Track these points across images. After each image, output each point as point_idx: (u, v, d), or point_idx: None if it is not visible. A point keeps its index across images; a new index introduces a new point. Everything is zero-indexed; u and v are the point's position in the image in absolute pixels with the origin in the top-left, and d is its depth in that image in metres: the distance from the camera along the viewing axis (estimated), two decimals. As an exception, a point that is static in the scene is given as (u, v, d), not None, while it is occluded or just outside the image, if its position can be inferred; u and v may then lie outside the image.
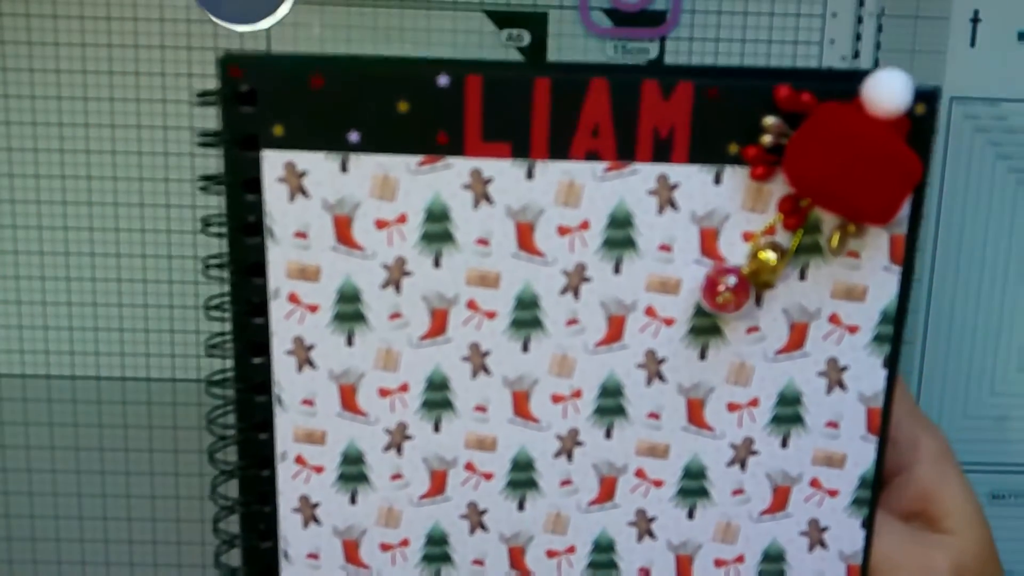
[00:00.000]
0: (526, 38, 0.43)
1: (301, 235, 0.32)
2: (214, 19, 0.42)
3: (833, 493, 0.34)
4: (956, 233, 0.45)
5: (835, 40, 0.44)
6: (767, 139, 0.30)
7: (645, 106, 0.31)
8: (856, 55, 0.44)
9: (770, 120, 0.30)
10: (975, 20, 0.43)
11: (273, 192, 0.32)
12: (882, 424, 0.34)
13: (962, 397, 0.47)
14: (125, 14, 0.42)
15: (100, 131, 0.43)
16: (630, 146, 0.31)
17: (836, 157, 0.29)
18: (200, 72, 0.43)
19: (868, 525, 0.35)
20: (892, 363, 0.33)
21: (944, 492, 0.35)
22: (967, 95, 0.44)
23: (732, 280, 0.31)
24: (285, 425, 0.34)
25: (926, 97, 0.30)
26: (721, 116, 0.31)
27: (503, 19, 0.43)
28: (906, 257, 0.32)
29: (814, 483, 0.34)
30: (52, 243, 0.44)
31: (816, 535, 0.35)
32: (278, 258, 0.32)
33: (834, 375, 0.33)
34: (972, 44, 0.44)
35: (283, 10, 0.42)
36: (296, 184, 0.31)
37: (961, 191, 0.45)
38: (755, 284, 0.32)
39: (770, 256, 0.31)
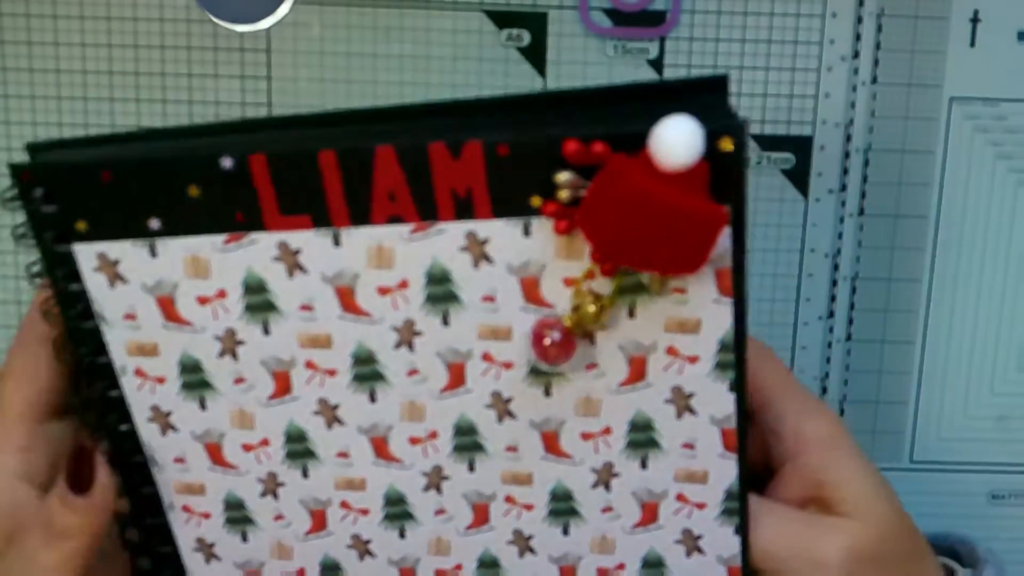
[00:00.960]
0: (526, 38, 0.43)
1: (131, 317, 0.32)
2: (214, 19, 0.42)
3: (700, 506, 0.34)
4: (956, 233, 0.45)
5: (835, 40, 0.44)
6: (564, 195, 0.29)
7: (437, 169, 0.30)
8: (856, 55, 0.44)
9: (563, 177, 0.29)
10: (975, 20, 0.43)
11: (94, 281, 0.32)
12: (739, 441, 0.33)
13: (962, 397, 0.47)
14: (125, 14, 0.42)
15: (100, 131, 0.43)
16: (431, 207, 0.30)
17: (629, 216, 0.28)
18: (200, 72, 0.43)
19: (742, 531, 0.34)
20: (739, 386, 0.33)
21: (835, 476, 0.33)
22: (967, 95, 0.44)
23: (557, 335, 0.31)
24: (165, 481, 0.35)
25: (733, 131, 0.28)
26: (517, 171, 0.30)
27: (503, 19, 0.43)
28: (735, 288, 0.31)
29: (680, 497, 0.34)
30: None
31: (691, 543, 0.35)
32: (116, 339, 0.33)
33: (681, 402, 0.33)
34: (972, 44, 0.44)
35: (283, 10, 0.42)
36: (112, 272, 0.32)
37: (961, 191, 0.45)
38: (579, 334, 0.31)
39: (589, 308, 0.31)
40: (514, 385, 0.33)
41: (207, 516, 0.36)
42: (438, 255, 0.31)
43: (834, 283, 0.46)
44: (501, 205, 0.30)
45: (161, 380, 0.33)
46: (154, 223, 0.31)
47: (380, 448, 0.34)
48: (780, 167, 0.44)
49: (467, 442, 0.34)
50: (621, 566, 0.36)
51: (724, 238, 0.30)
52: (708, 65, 0.43)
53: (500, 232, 0.31)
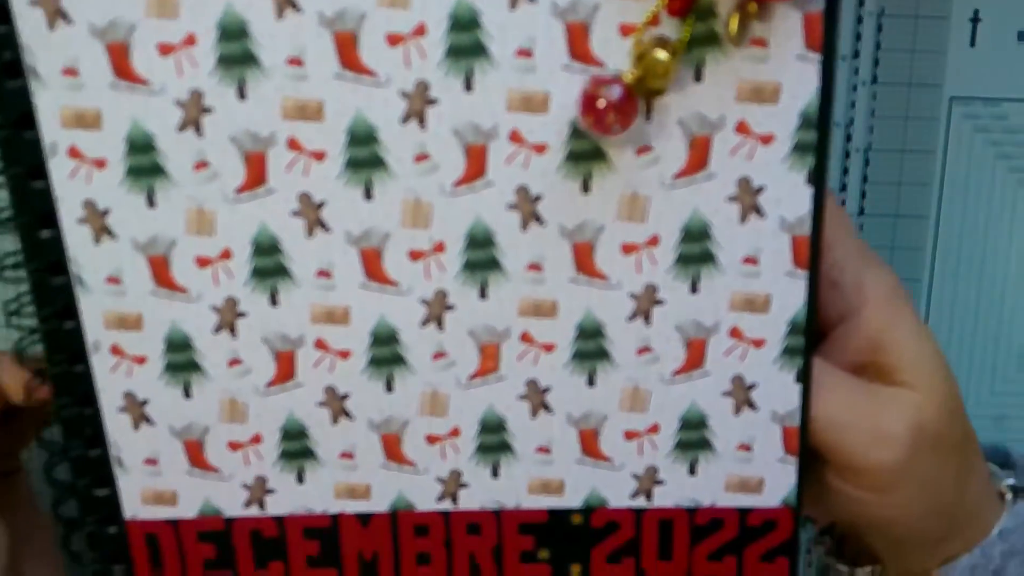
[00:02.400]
0: None
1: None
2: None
3: (758, 343, 0.29)
4: (956, 233, 0.45)
5: (835, 40, 0.44)
6: None
7: None
8: (856, 55, 0.44)
9: None
10: (975, 20, 0.43)
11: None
12: (811, 255, 0.28)
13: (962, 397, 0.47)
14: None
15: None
16: None
17: None
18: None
19: (803, 378, 0.29)
20: (818, 179, 0.27)
21: (897, 337, 0.30)
22: (967, 95, 0.44)
23: (615, 92, 0.25)
24: (92, 309, 0.28)
25: None
26: None
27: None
28: (825, 41, 0.26)
29: (734, 333, 0.29)
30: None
31: (742, 395, 0.29)
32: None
33: (747, 199, 0.27)
34: (972, 44, 0.44)
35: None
36: (99, 226, 0.27)
37: (961, 191, 0.45)
38: (642, 93, 0.26)
39: (659, 55, 0.25)
40: (545, 177, 0.27)
41: (141, 361, 0.29)
42: None
43: (834, 283, 0.46)
44: None
45: (100, 164, 0.27)
46: None
47: (372, 264, 0.28)
48: (780, 167, 0.45)
49: (481, 257, 0.28)
50: (654, 428, 0.30)
51: None
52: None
53: None
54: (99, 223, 0.27)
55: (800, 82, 0.26)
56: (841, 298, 0.30)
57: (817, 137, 0.27)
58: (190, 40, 0.26)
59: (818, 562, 0.37)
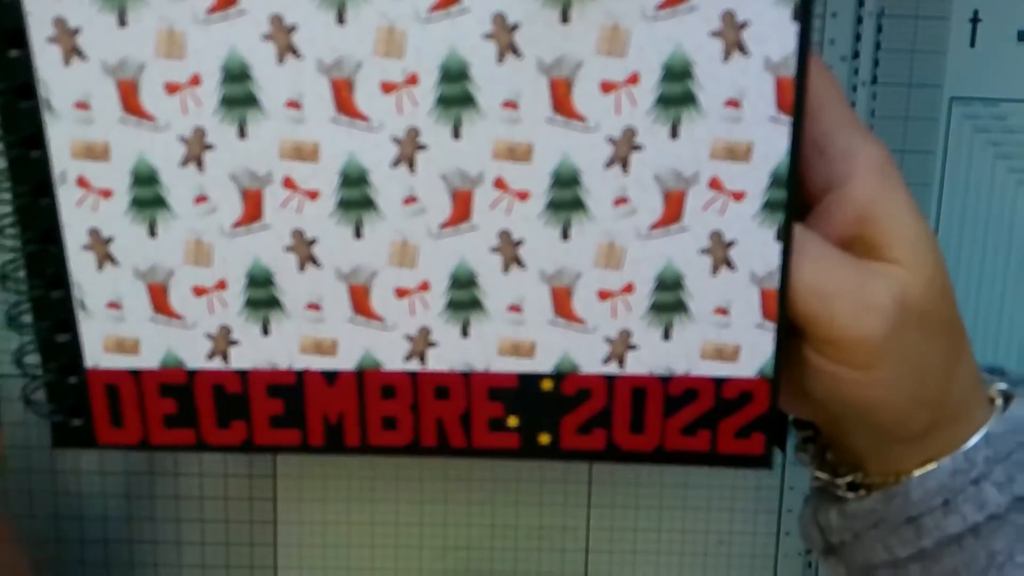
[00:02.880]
0: None
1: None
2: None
3: (738, 196, 0.28)
4: (956, 233, 0.45)
5: (835, 40, 0.44)
6: None
7: None
8: (856, 55, 0.44)
9: None
10: (975, 20, 0.43)
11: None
12: (796, 98, 0.27)
13: (962, 396, 0.47)
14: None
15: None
16: None
17: None
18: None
19: (784, 237, 0.28)
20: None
21: (886, 211, 0.29)
22: (967, 95, 0.44)
23: None
24: (59, 136, 0.28)
25: None
26: None
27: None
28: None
29: (714, 184, 0.28)
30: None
31: (720, 252, 0.28)
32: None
33: (731, 35, 0.26)
34: (972, 44, 0.44)
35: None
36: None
37: (961, 191, 0.45)
38: None
39: None
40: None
41: (107, 195, 0.28)
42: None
43: (834, 283, 0.46)
44: None
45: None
46: None
47: (342, 95, 0.27)
48: (780, 167, 0.45)
49: (455, 92, 0.27)
50: (628, 288, 0.29)
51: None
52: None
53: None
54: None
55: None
56: (829, 166, 0.29)
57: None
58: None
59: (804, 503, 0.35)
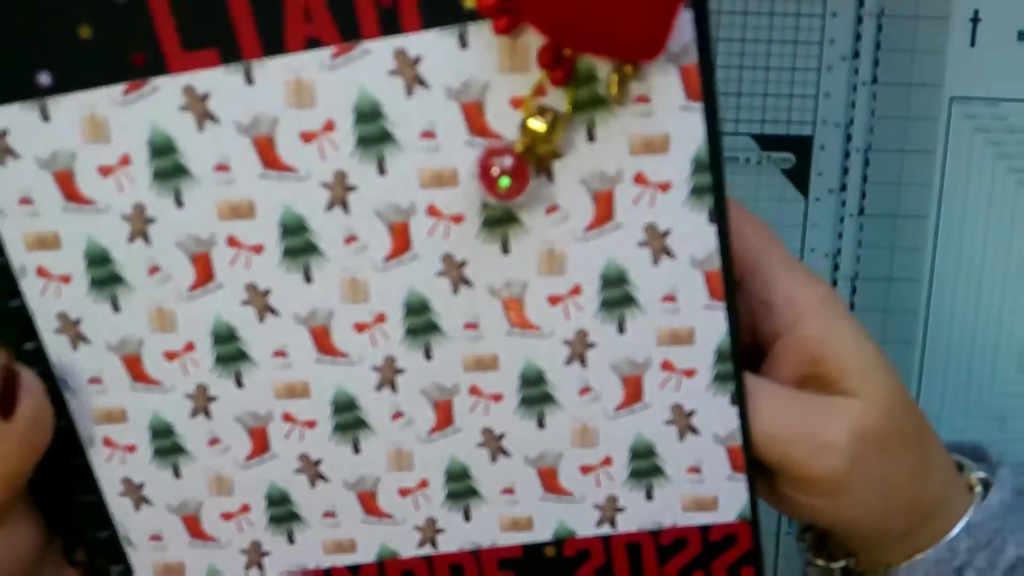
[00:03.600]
0: (526, 38, 0.43)
1: (27, 201, 0.29)
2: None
3: (689, 373, 0.30)
4: (956, 233, 0.45)
5: (835, 40, 0.44)
6: None
7: None
8: (856, 55, 0.44)
9: None
10: (975, 20, 0.43)
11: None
12: (725, 287, 0.29)
13: (962, 397, 0.47)
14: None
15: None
16: (352, 23, 0.27)
17: None
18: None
19: (738, 401, 0.31)
20: (720, 216, 0.29)
21: (835, 346, 0.31)
22: (967, 95, 0.44)
23: (507, 161, 0.27)
24: (81, 409, 0.31)
25: None
26: None
27: (503, 19, 0.43)
28: (704, 90, 0.27)
29: (666, 366, 0.30)
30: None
31: (683, 421, 0.31)
32: (12, 231, 0.29)
33: (656, 243, 0.29)
34: (972, 44, 0.44)
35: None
36: (2, 147, 0.28)
37: (961, 191, 0.45)
38: (535, 159, 0.27)
39: (537, 125, 0.27)
40: (467, 244, 0.29)
41: (132, 449, 0.31)
42: (365, 84, 0.27)
43: (834, 283, 0.46)
44: (430, 11, 0.27)
45: (66, 279, 0.29)
46: (43, 78, 0.27)
47: (322, 341, 0.30)
48: (780, 167, 0.45)
49: (420, 323, 0.30)
50: (607, 460, 0.31)
51: (687, 27, 0.27)
52: (708, 65, 0.43)
53: (433, 46, 0.27)
54: (74, 331, 0.30)
55: (687, 130, 0.28)
56: (775, 316, 0.31)
57: (712, 179, 0.28)
58: (125, 160, 0.28)
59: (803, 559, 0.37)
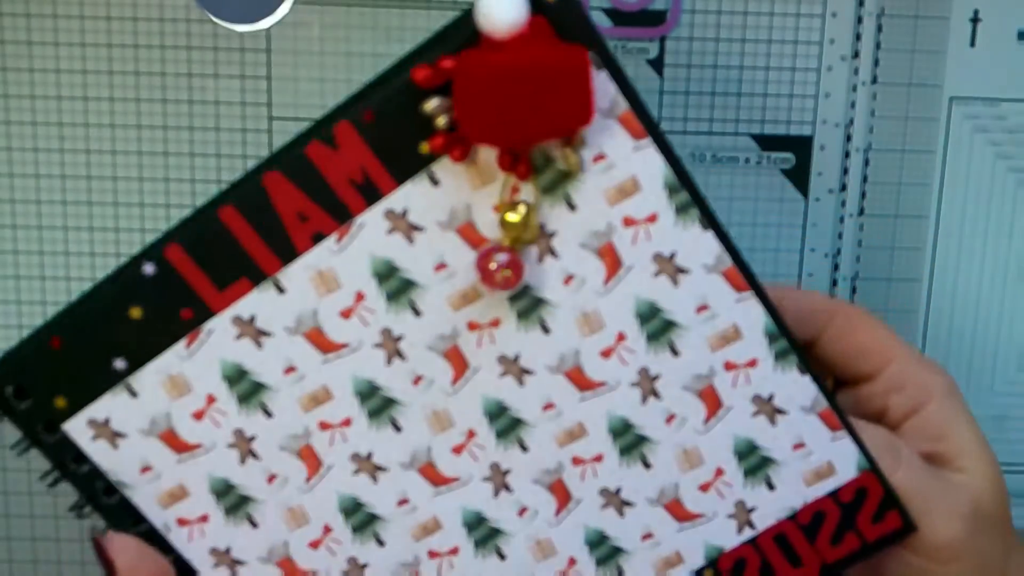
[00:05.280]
0: None
1: (147, 469, 0.32)
2: (214, 19, 0.42)
3: (752, 363, 0.33)
4: (956, 233, 0.45)
5: (835, 40, 0.44)
6: (441, 121, 0.29)
7: (326, 167, 0.30)
8: (856, 55, 0.44)
9: (431, 104, 0.29)
10: (975, 20, 0.43)
11: (98, 451, 0.32)
12: (746, 278, 0.32)
13: (962, 397, 0.47)
14: (125, 14, 0.42)
15: (100, 131, 0.43)
16: (341, 207, 0.30)
17: (501, 96, 0.28)
18: (200, 72, 0.43)
19: (806, 368, 0.33)
20: (711, 222, 0.31)
21: (956, 429, 0.35)
22: (967, 95, 0.44)
23: (502, 257, 0.30)
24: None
25: None
26: (393, 129, 0.30)
27: (503, 19, 0.43)
28: (645, 127, 0.30)
29: (728, 366, 0.33)
30: (52, 243, 0.44)
31: (767, 408, 0.33)
32: (145, 499, 0.32)
33: (668, 268, 0.32)
34: (972, 44, 0.44)
35: (283, 10, 0.42)
36: (109, 433, 0.32)
37: (961, 191, 0.45)
38: (523, 247, 0.31)
39: (512, 216, 0.30)
40: (513, 340, 0.32)
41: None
42: (373, 251, 0.31)
43: (834, 283, 0.46)
44: (397, 168, 0.30)
45: (204, 519, 0.33)
46: (119, 363, 0.31)
47: (432, 475, 0.33)
48: (780, 167, 0.44)
49: (505, 424, 0.33)
50: (719, 472, 0.34)
51: (606, 84, 0.30)
52: (708, 65, 0.43)
53: (411, 196, 0.30)
54: (227, 559, 0.33)
55: (647, 165, 0.31)
56: (908, 397, 0.36)
57: (688, 194, 0.31)
58: (211, 399, 0.32)
59: None
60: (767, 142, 0.44)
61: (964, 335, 0.46)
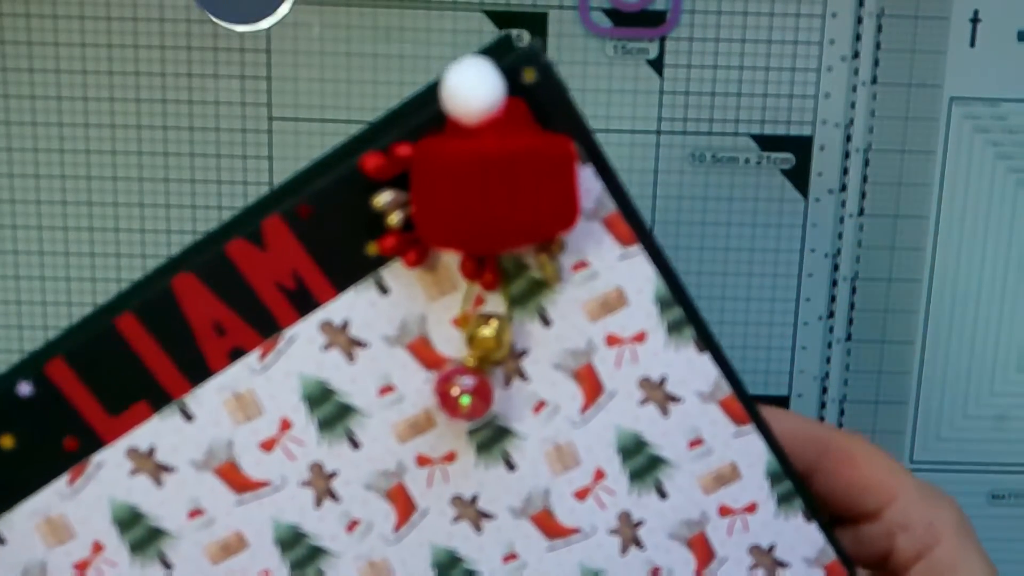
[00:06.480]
0: (525, 38, 0.43)
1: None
2: (214, 19, 0.42)
3: (750, 508, 0.29)
4: (956, 233, 0.45)
5: (835, 40, 0.44)
6: (394, 218, 0.24)
7: (248, 270, 0.25)
8: (856, 55, 0.44)
9: (382, 199, 0.24)
10: (975, 20, 0.43)
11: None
12: (746, 408, 0.28)
13: (962, 397, 0.47)
14: (125, 14, 0.42)
15: (100, 131, 0.43)
16: (267, 318, 0.26)
17: (468, 192, 0.23)
18: (200, 72, 0.43)
19: (814, 515, 0.29)
20: (707, 342, 0.27)
21: (967, 565, 0.33)
22: (967, 95, 0.44)
23: (468, 381, 0.26)
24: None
25: (529, 59, 0.24)
26: (333, 226, 0.25)
27: (503, 19, 0.43)
28: (636, 232, 0.26)
29: (724, 511, 0.28)
30: (52, 243, 0.44)
31: (767, 560, 0.29)
32: None
33: (657, 394, 0.27)
34: (972, 44, 0.44)
35: (283, 10, 0.42)
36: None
37: (961, 191, 0.45)
38: (491, 367, 0.26)
39: (485, 333, 0.26)
40: (469, 478, 0.27)
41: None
42: (303, 370, 0.26)
43: (834, 283, 0.46)
44: (338, 273, 0.26)
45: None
46: None
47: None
48: (780, 167, 0.45)
49: (455, 574, 0.28)
50: None
51: (591, 181, 0.25)
52: (708, 65, 0.43)
53: (354, 306, 0.26)
54: None
55: (636, 276, 0.27)
56: (914, 538, 0.33)
57: (681, 309, 0.27)
58: (98, 547, 0.26)
59: None
60: (767, 142, 0.44)
61: (964, 335, 0.46)
